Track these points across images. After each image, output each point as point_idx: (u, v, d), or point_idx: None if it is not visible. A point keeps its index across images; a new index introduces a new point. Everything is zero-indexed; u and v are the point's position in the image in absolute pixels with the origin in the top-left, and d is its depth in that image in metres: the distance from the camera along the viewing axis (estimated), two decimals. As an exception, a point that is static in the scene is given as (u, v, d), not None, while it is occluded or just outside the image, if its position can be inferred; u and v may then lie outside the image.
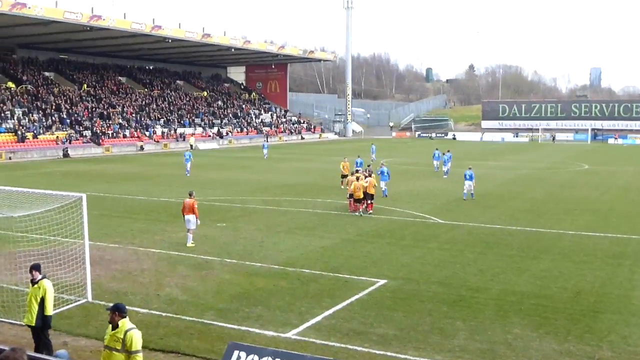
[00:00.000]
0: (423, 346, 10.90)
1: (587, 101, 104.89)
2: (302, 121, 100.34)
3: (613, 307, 13.13)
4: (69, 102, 68.46)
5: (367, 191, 24.82)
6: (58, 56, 78.72)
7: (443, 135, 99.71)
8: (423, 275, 15.45)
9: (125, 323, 8.03)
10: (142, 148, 64.94)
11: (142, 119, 72.70)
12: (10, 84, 65.98)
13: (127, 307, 8.49)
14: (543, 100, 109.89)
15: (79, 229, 13.38)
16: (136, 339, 7.91)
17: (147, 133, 69.67)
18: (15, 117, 60.00)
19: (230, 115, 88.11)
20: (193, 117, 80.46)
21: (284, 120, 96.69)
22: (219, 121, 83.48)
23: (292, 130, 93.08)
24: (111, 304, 8.33)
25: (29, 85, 67.77)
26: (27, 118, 60.94)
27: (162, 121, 75.04)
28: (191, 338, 11.22)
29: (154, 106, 78.35)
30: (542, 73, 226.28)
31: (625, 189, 33.63)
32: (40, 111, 63.72)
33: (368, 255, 17.63)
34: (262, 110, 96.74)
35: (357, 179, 26.10)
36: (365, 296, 13.73)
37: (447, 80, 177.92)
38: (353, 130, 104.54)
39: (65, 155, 56.19)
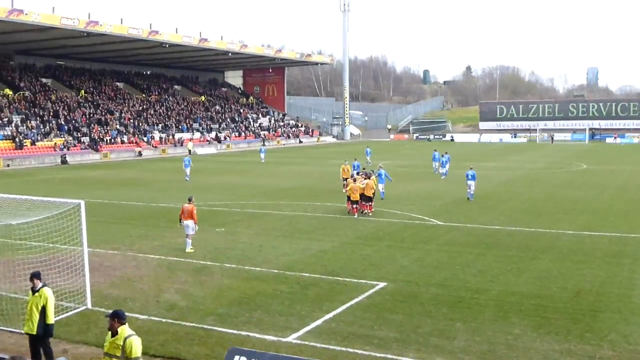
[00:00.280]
0: (424, 348, 10.90)
1: (585, 101, 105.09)
2: (300, 125, 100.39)
3: (613, 306, 13.14)
4: (66, 108, 68.46)
5: (365, 193, 24.88)
6: (55, 62, 78.75)
7: (441, 137, 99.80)
8: (423, 277, 15.44)
9: (124, 330, 8.02)
10: (140, 154, 64.92)
11: (140, 125, 72.69)
12: (8, 91, 65.98)
13: (126, 313, 8.49)
14: (540, 101, 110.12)
15: (78, 235, 13.36)
16: (136, 345, 7.90)
17: (145, 138, 69.66)
18: (13, 124, 59.99)
19: (228, 119, 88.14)
20: (191, 122, 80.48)
21: (281, 124, 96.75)
22: (217, 126, 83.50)
23: (290, 134, 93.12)
24: (110, 311, 8.32)
25: (27, 92, 67.78)
26: (24, 125, 60.92)
27: (160, 126, 75.04)
28: (191, 344, 11.20)
29: (152, 111, 78.36)
30: (539, 73, 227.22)
31: (623, 188, 33.67)
32: (38, 118, 63.71)
33: (367, 258, 17.62)
34: (260, 114, 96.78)
35: (354, 180, 26.21)
36: (365, 299, 13.73)
37: (445, 82, 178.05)
38: (351, 133, 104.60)
39: (64, 161, 56.14)
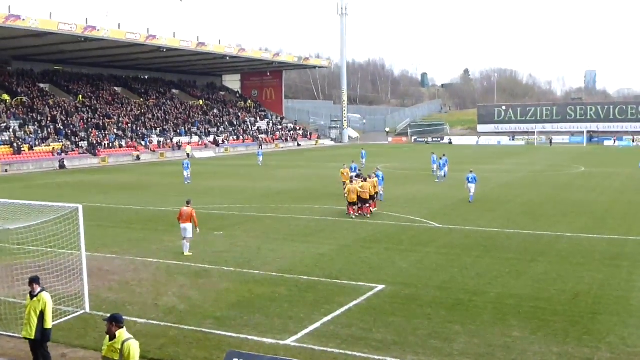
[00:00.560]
0: (422, 351, 10.90)
1: (583, 104, 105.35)
2: (298, 128, 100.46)
3: (611, 308, 13.15)
4: (64, 113, 68.45)
5: (361, 195, 24.97)
6: (53, 68, 78.75)
7: (439, 139, 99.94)
8: (421, 280, 15.45)
9: (122, 333, 8.03)
10: (138, 158, 64.90)
11: (138, 129, 72.70)
12: (6, 97, 65.94)
13: (125, 317, 8.49)
14: (538, 104, 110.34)
15: (76, 240, 13.35)
16: (134, 349, 7.90)
17: (143, 143, 69.64)
18: (11, 130, 59.94)
19: (226, 123, 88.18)
20: (189, 126, 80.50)
21: (280, 127, 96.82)
22: (215, 129, 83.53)
23: (289, 138, 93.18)
24: (108, 315, 8.33)
25: (24, 97, 67.75)
26: (23, 130, 60.89)
27: (158, 130, 75.03)
28: (190, 347, 11.20)
29: (150, 116, 78.38)
30: (537, 76, 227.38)
31: (621, 191, 33.72)
32: (36, 123, 63.67)
33: (366, 260, 17.63)
34: (258, 118, 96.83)
35: (351, 181, 26.35)
36: (363, 302, 13.74)
37: (443, 85, 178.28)
38: (349, 136, 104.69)
39: (62, 166, 56.09)
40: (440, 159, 40.32)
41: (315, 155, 71.69)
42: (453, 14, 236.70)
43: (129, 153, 65.62)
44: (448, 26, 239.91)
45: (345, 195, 25.55)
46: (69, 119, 67.58)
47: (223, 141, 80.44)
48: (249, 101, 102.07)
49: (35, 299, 10.09)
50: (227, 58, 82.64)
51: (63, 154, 58.92)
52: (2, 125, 60.10)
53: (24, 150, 57.24)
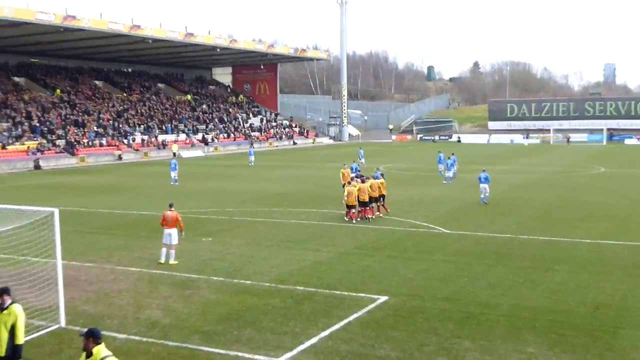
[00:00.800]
0: (429, 369, 10.80)
1: (602, 99, 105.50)
2: (294, 125, 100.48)
3: (635, 322, 13.07)
4: (40, 109, 68.33)
5: (360, 198, 25.02)
6: (29, 60, 78.68)
7: (447, 137, 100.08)
8: (428, 291, 15.39)
9: (100, 350, 7.93)
10: (120, 157, 64.83)
11: (120, 126, 72.64)
12: (-24, 91, 65.88)
13: (103, 332, 8.39)
14: (554, 99, 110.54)
15: (51, 247, 13.28)
16: (112, 367, 7.79)
17: (126, 141, 69.58)
18: (-18, 127, 59.86)
19: (216, 120, 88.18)
20: (176, 123, 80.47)
21: (274, 124, 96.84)
22: (204, 127, 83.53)
23: (284, 135, 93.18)
24: (85, 329, 8.23)
25: (-3, 92, 67.67)
26: (-6, 127, 60.80)
27: (141, 128, 75.00)
28: (174, 365, 11.09)
29: (133, 112, 78.34)
30: (552, 70, 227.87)
31: (645, 193, 33.71)
32: (10, 119, 63.53)
33: (367, 269, 17.57)
34: (251, 114, 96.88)
35: (349, 182, 26.34)
36: (364, 315, 13.67)
37: (451, 79, 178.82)
38: (349, 134, 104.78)
39: (37, 166, 55.96)
40: (449, 158, 40.31)
41: (312, 154, 71.67)
42: (462, 2, 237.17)
43: (110, 152, 65.52)
44: (456, 15, 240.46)
45: (345, 199, 25.48)
46: (45, 115, 67.46)
47: (212, 139, 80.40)
48: (241, 96, 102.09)
49: (5, 312, 9.97)
50: (218, 50, 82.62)
51: (38, 153, 58.80)
52: (-27, 122, 60.02)
53: (-4, 149, 57.13)
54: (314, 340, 12.19)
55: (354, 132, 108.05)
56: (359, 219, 25.30)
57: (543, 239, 21.50)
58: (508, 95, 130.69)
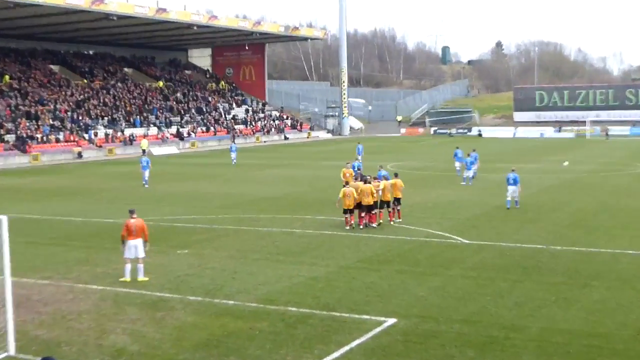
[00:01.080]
0: (445, 404, 10.81)
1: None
2: (285, 117, 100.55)
3: (687, 347, 13.10)
4: (-15, 98, 68.25)
5: (362, 201, 25.10)
6: (-29, 40, 78.56)
7: (466, 131, 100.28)
8: (443, 312, 15.41)
9: (55, 383, 7.89)
10: (80, 155, 64.76)
11: (81, 119, 72.57)
12: None
13: (58, 362, 8.36)
14: (590, 86, 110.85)
15: (-2, 261, 13.23)
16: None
17: (87, 136, 69.54)
18: None
19: (193, 111, 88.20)
20: (145, 115, 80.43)
21: (261, 115, 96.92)
22: (179, 119, 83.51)
23: (273, 129, 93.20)
24: (39, 358, 8.21)
25: None
26: None
27: (105, 120, 74.95)
28: (144, 400, 11.09)
29: (96, 101, 78.27)
30: (588, 51, 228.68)
31: (697, 195, 33.82)
32: (-51, 110, 63.45)
33: (372, 286, 17.59)
34: (234, 104, 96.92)
35: (347, 183, 26.42)
36: (369, 340, 13.67)
37: (469, 62, 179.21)
38: (351, 127, 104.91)
39: (-18, 166, 55.90)
40: (468, 155, 40.31)
41: (307, 151, 71.71)
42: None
43: (68, 149, 65.46)
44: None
45: (339, 202, 25.64)
46: (-9, 105, 67.38)
47: (189, 134, 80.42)
48: (222, 82, 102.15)
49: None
50: (195, 27, 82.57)
51: (-17, 151, 58.71)
52: None
53: None
54: (309, 370, 12.20)
55: (356, 124, 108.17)
56: (361, 227, 25.33)
57: (578, 250, 21.54)
58: (537, 81, 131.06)
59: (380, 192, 26.05)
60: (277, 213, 29.74)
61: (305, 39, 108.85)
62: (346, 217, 25.52)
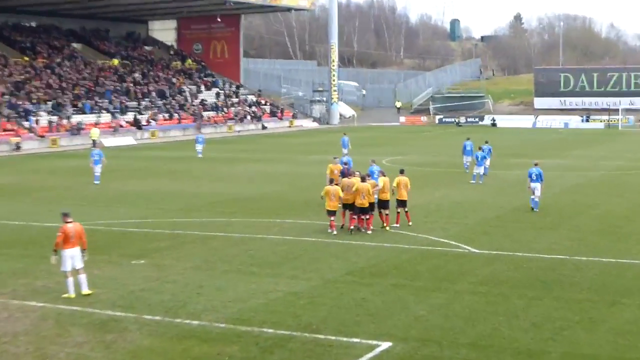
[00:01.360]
0: None
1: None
2: (263, 102, 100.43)
3: None
4: None
5: (356, 202, 25.22)
6: None
7: (477, 119, 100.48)
8: (448, 334, 15.43)
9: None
10: (18, 147, 64.44)
11: (19, 103, 72.19)
12: None
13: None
14: (624, 67, 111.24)
15: None
16: None
17: (27, 124, 69.21)
18: None
19: (154, 94, 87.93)
20: (97, 99, 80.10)
21: (235, 100, 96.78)
22: (136, 104, 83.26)
23: (249, 116, 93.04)
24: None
25: None
26: None
27: (49, 105, 74.58)
28: None
29: (38, 83, 77.93)
30: (621, 27, 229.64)
31: None
32: None
33: (363, 304, 17.59)
34: (203, 86, 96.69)
35: (332, 181, 26.51)
36: (359, 368, 13.65)
37: (482, 38, 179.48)
38: (341, 115, 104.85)
39: None
40: (480, 149, 40.29)
41: (288, 143, 71.69)
42: None
43: (5, 139, 65.11)
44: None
45: (322, 197, 25.78)
46: None
47: (148, 121, 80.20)
48: (189, 60, 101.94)
49: None
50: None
51: None
52: None
53: None
54: (286, 403, 12.22)
55: (348, 111, 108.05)
56: (351, 229, 25.33)
57: (606, 261, 21.62)
58: (561, 62, 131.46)
59: (377, 191, 26.08)
60: (252, 216, 29.70)
61: (289, 9, 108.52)
62: (331, 220, 25.52)
